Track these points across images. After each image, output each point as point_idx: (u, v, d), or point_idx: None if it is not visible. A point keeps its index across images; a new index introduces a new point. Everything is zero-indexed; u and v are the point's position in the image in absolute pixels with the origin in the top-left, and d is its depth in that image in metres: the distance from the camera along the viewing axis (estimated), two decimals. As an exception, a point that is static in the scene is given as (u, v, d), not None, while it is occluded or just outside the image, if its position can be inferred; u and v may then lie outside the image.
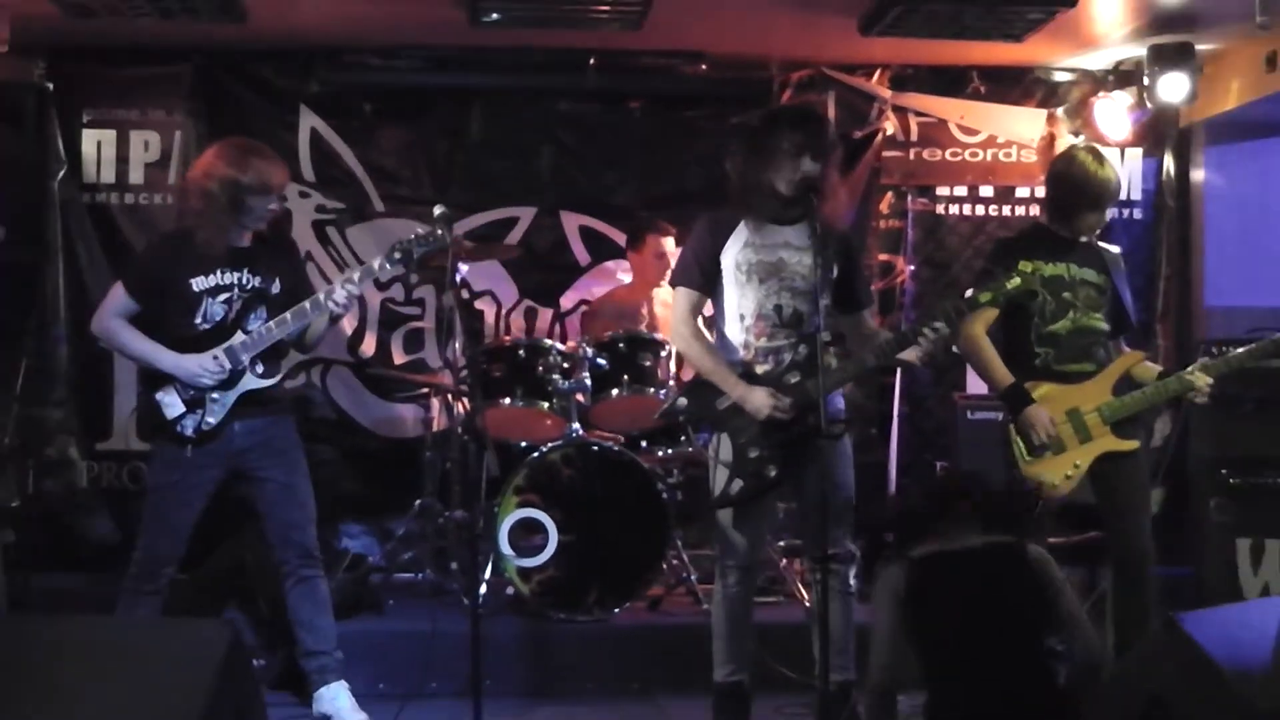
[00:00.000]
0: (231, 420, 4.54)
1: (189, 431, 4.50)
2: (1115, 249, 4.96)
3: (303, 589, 4.68)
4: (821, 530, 4.01)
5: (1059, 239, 4.80)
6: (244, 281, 4.57)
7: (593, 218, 6.88)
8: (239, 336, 4.52)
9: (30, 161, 6.38)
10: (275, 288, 4.61)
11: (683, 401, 4.38)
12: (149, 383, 4.57)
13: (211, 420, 4.51)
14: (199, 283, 4.53)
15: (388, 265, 4.57)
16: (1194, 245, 6.96)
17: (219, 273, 4.55)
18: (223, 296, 4.55)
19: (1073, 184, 4.76)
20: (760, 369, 4.25)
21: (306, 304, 4.53)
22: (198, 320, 4.52)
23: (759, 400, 4.17)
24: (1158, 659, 3.45)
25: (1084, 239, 4.83)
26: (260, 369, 4.57)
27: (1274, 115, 6.53)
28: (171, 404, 4.51)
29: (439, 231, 4.52)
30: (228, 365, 4.50)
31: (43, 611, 5.39)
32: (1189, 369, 4.71)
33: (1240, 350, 4.77)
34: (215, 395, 4.51)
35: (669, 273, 6.17)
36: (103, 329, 4.62)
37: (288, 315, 4.52)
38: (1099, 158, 4.79)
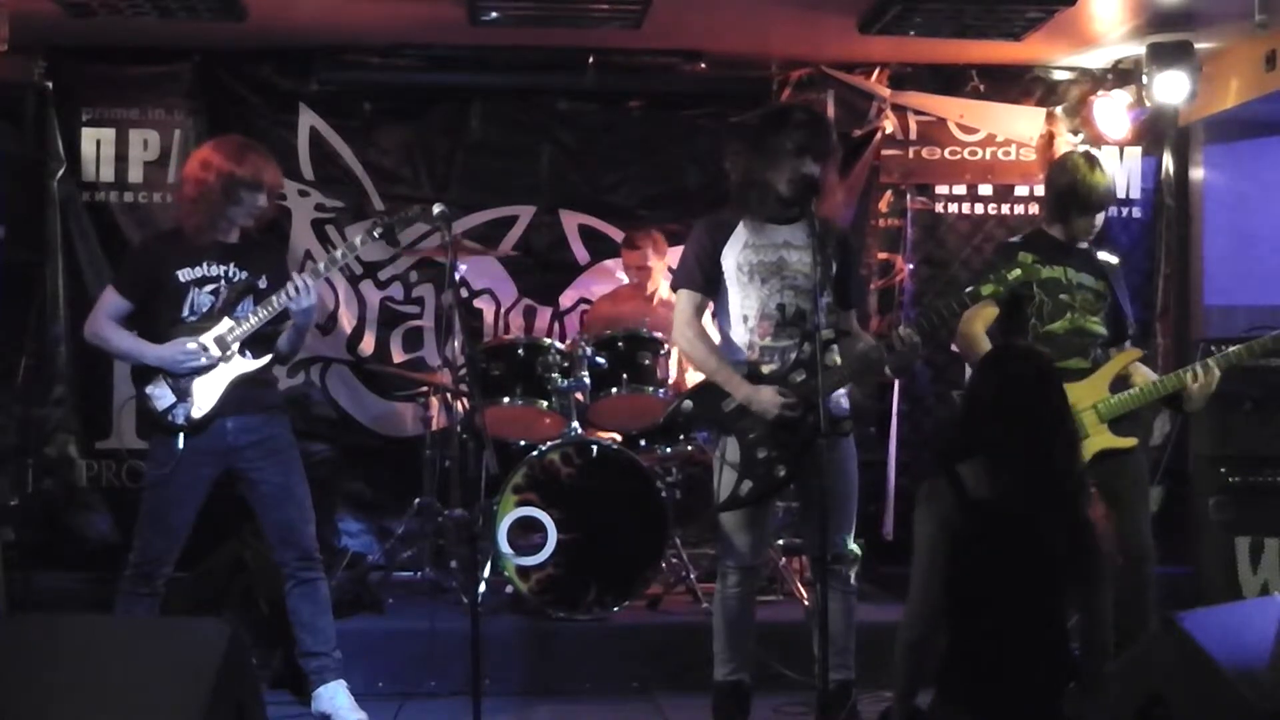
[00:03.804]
0: (225, 413, 4.55)
1: (180, 420, 4.52)
2: (1114, 259, 4.97)
3: (303, 590, 4.70)
4: (822, 530, 4.00)
5: (1058, 244, 4.83)
6: (231, 274, 4.61)
7: (592, 216, 6.87)
8: (226, 323, 4.55)
9: (30, 160, 6.38)
10: (263, 282, 4.64)
11: (688, 404, 4.38)
12: (139, 379, 4.59)
13: (203, 406, 4.53)
14: (185, 274, 4.57)
15: (370, 239, 4.67)
16: (1193, 244, 6.97)
17: (205, 264, 4.59)
18: (209, 287, 4.59)
19: (1066, 188, 4.80)
20: (766, 369, 4.25)
21: (291, 286, 4.56)
22: (185, 313, 4.56)
23: (767, 400, 4.16)
24: (1157, 657, 3.45)
25: (1081, 245, 4.86)
26: (249, 354, 4.60)
27: (1273, 114, 6.53)
28: (162, 395, 4.54)
29: (419, 208, 4.62)
30: (216, 353, 4.53)
31: (42, 611, 5.39)
32: (1186, 369, 4.72)
33: (1237, 348, 4.76)
34: (205, 382, 4.54)
35: (653, 277, 6.21)
36: (93, 332, 4.66)
37: (274, 299, 4.56)
38: (1093, 162, 4.83)
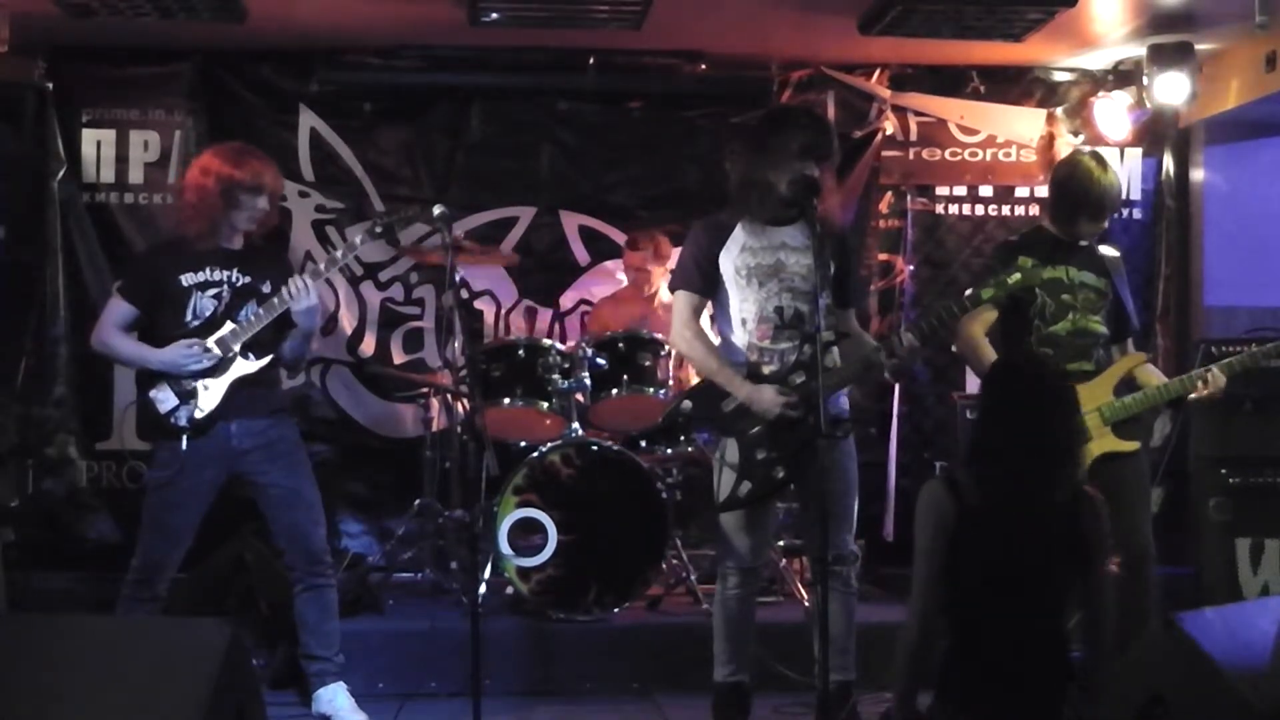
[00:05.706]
0: (227, 416, 4.56)
1: (183, 422, 4.52)
2: (1116, 253, 4.94)
3: (311, 595, 4.70)
4: (823, 530, 3.99)
5: (1059, 242, 4.80)
6: (234, 279, 4.62)
7: (592, 217, 6.87)
8: (229, 326, 4.56)
9: (30, 161, 6.39)
10: (266, 287, 4.64)
11: (687, 404, 4.38)
12: (143, 383, 4.59)
13: (205, 408, 4.53)
14: (188, 278, 4.58)
15: (370, 239, 4.72)
16: (1193, 245, 6.97)
17: (208, 269, 4.60)
18: (212, 291, 4.60)
19: (1075, 190, 4.76)
20: (765, 370, 4.24)
21: (290, 286, 4.57)
22: (189, 318, 4.57)
23: (768, 399, 4.15)
24: (1157, 658, 3.45)
25: (1084, 243, 4.84)
26: (251, 355, 4.60)
27: (1273, 115, 6.53)
28: (164, 399, 4.54)
29: (419, 209, 4.64)
30: (216, 353, 4.53)
31: (42, 611, 5.38)
32: (1195, 372, 4.72)
33: (1257, 349, 4.74)
34: (206, 384, 4.54)
35: (652, 280, 6.21)
36: (99, 341, 4.68)
37: (274, 299, 4.57)
38: (1102, 164, 4.79)
